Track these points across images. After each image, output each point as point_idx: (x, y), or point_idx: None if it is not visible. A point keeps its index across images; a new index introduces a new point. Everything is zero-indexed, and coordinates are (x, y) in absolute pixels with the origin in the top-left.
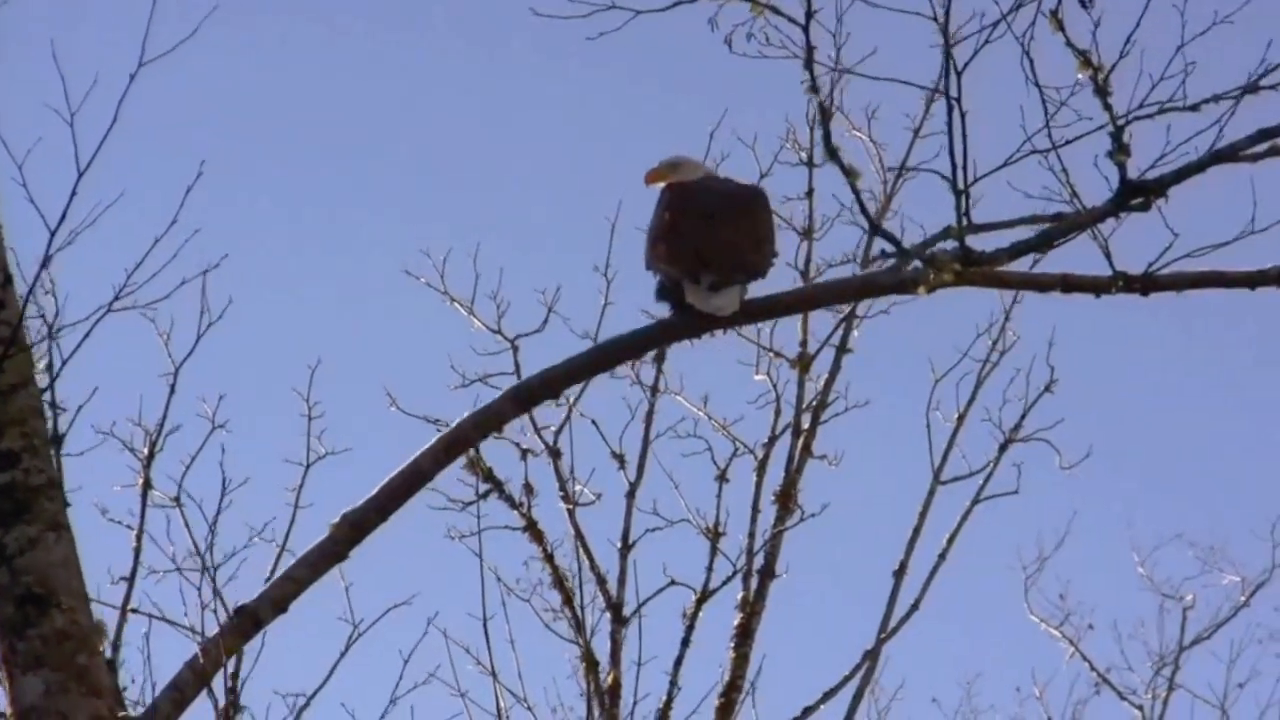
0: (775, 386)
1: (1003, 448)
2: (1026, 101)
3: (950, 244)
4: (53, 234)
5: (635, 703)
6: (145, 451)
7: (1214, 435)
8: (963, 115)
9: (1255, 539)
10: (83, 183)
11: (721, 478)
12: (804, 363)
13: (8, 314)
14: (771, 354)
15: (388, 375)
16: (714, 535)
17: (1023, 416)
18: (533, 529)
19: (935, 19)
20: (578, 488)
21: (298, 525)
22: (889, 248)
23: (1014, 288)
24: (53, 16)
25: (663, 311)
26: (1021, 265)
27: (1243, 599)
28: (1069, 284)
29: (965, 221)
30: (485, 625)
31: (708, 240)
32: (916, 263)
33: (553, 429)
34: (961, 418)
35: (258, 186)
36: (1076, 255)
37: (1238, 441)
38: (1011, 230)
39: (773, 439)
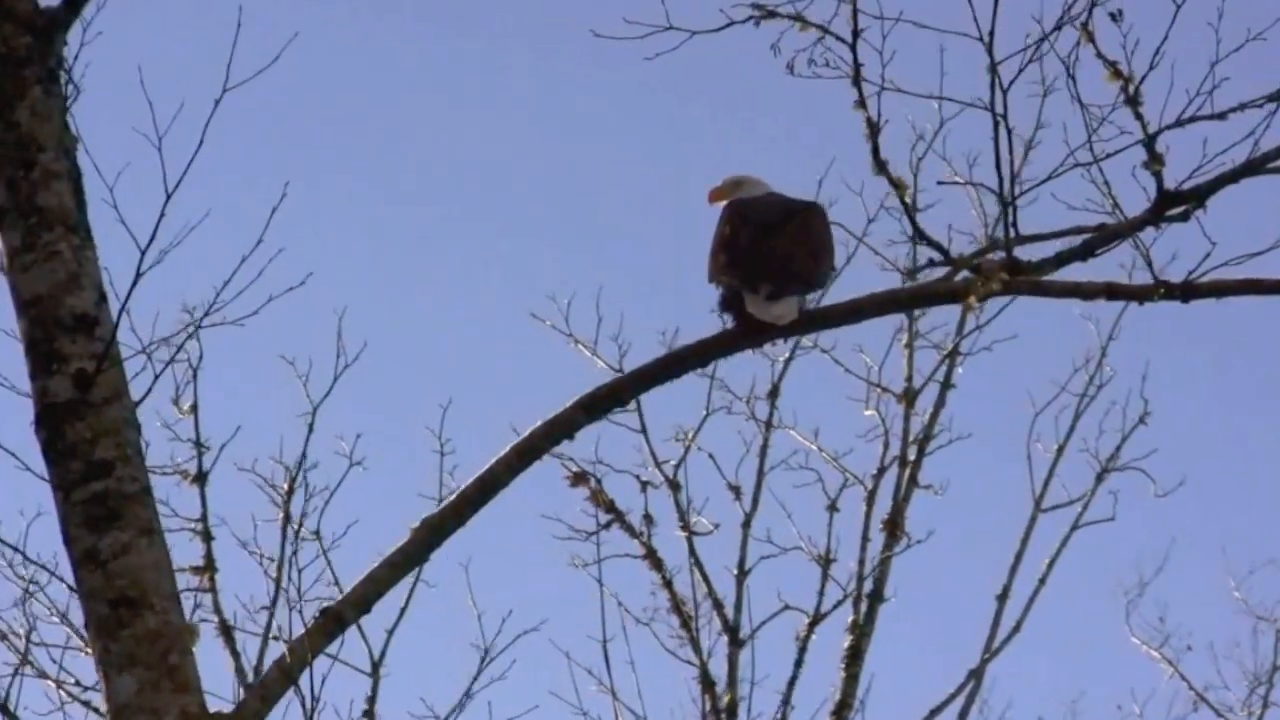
0: (884, 420)
1: (1099, 477)
2: (1070, 118)
3: (998, 254)
4: (143, 253)
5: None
6: (285, 487)
7: None
8: (1009, 131)
9: None
10: (171, 204)
11: (832, 507)
12: (909, 397)
13: (102, 331)
14: (879, 390)
15: (514, 414)
16: (825, 562)
17: (1118, 447)
18: (652, 557)
19: (981, 38)
20: (696, 518)
21: (432, 557)
22: (936, 256)
23: (1060, 296)
24: (140, 44)
25: (726, 323)
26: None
27: None
28: (1113, 292)
29: (1014, 233)
30: (605, 647)
31: (765, 251)
32: (965, 273)
33: (672, 463)
34: (1061, 449)
35: (380, 231)
36: (1121, 266)
37: None
38: (1056, 241)
39: (881, 470)
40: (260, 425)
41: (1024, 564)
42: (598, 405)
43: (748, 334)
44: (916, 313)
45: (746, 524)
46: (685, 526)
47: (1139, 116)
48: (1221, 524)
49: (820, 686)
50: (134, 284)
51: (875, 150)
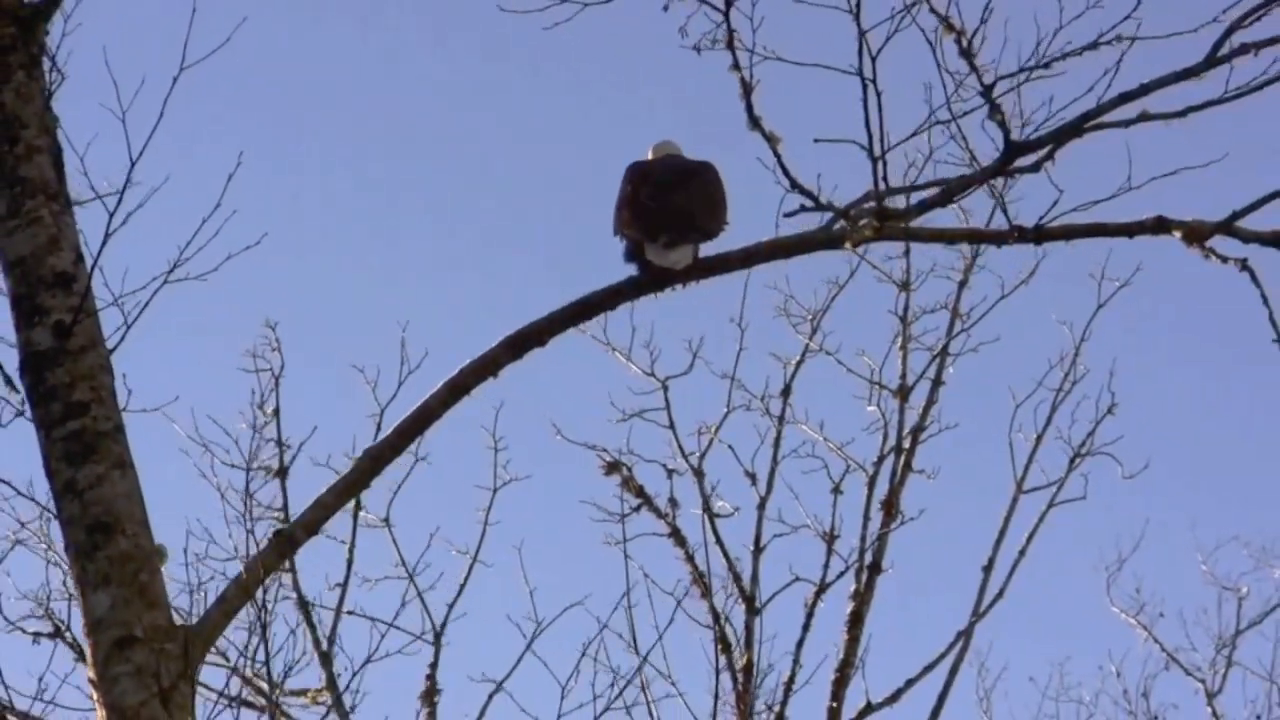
0: (883, 414)
1: (1072, 462)
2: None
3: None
4: (111, 216)
5: (764, 678)
6: None
7: (1270, 449)
8: (879, 94)
9: None
10: (136, 171)
11: (836, 490)
12: (904, 394)
13: (78, 286)
14: (879, 387)
15: (558, 413)
16: (830, 538)
17: (1089, 435)
18: (676, 535)
19: (850, 10)
20: (719, 502)
21: (487, 540)
22: (807, 203)
23: (928, 241)
24: (103, 24)
25: (631, 270)
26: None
27: None
28: (975, 236)
29: (884, 185)
30: (630, 613)
31: (662, 205)
32: (843, 223)
33: (696, 454)
34: (1039, 437)
35: (433, 249)
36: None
37: None
38: (924, 192)
39: (881, 458)
40: (335, 426)
41: (1006, 539)
42: (521, 345)
43: (651, 280)
44: (910, 317)
45: (761, 506)
46: (708, 509)
47: (974, 69)
48: (1190, 504)
49: (826, 648)
50: (103, 244)
51: (749, 108)
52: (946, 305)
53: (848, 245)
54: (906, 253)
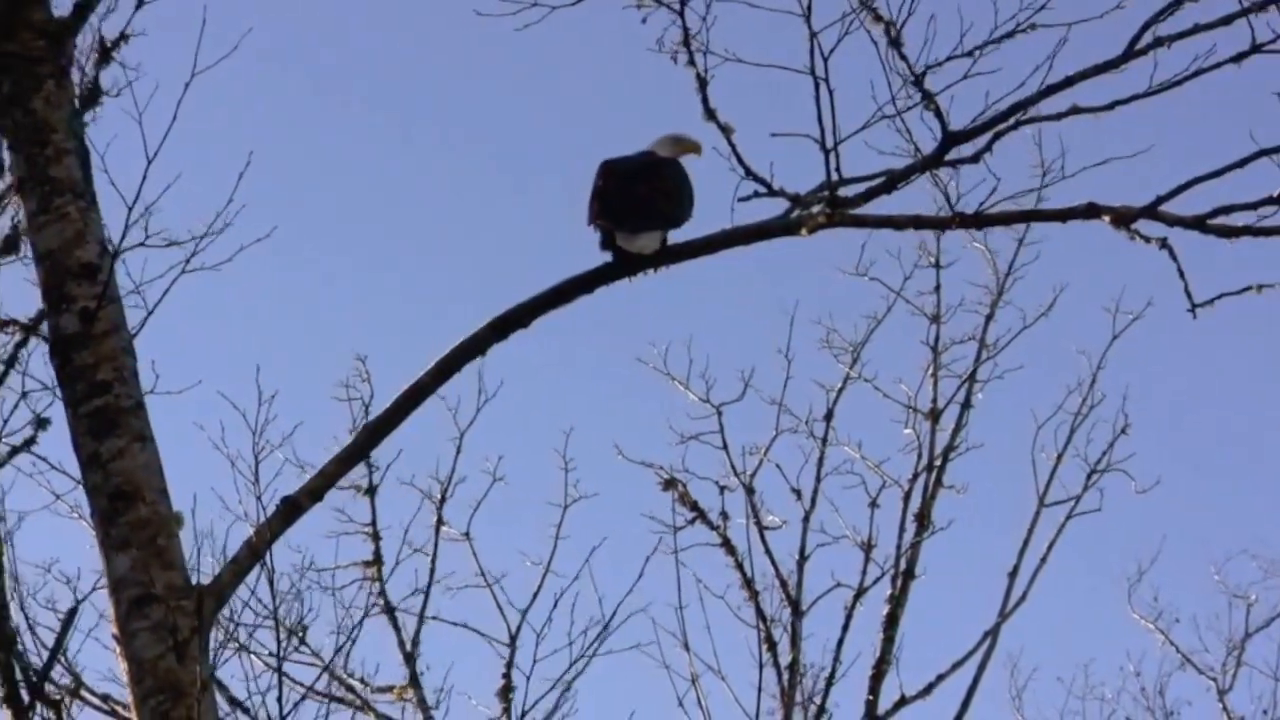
0: (918, 436)
1: (1089, 477)
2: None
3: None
4: (130, 209)
5: (807, 674)
6: (438, 497)
7: (1275, 468)
8: (830, 92)
9: None
10: (152, 169)
11: (873, 504)
12: (935, 416)
13: (103, 275)
14: (913, 411)
15: (621, 436)
16: (868, 548)
17: (1105, 453)
18: (727, 545)
19: (803, 14)
20: (769, 516)
21: (558, 552)
22: (760, 189)
23: (876, 227)
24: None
25: (606, 257)
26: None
27: None
28: (919, 222)
29: (837, 176)
30: (681, 613)
31: (628, 196)
32: (799, 212)
33: (748, 473)
34: (1059, 456)
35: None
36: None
37: None
38: (873, 182)
39: (915, 475)
40: (418, 449)
41: (1029, 548)
42: (505, 326)
43: (622, 265)
44: (941, 347)
45: (806, 519)
46: (757, 521)
47: (903, 57)
48: (1200, 517)
49: (864, 646)
50: (123, 235)
51: (705, 100)
52: (974, 336)
53: (803, 232)
54: (937, 288)
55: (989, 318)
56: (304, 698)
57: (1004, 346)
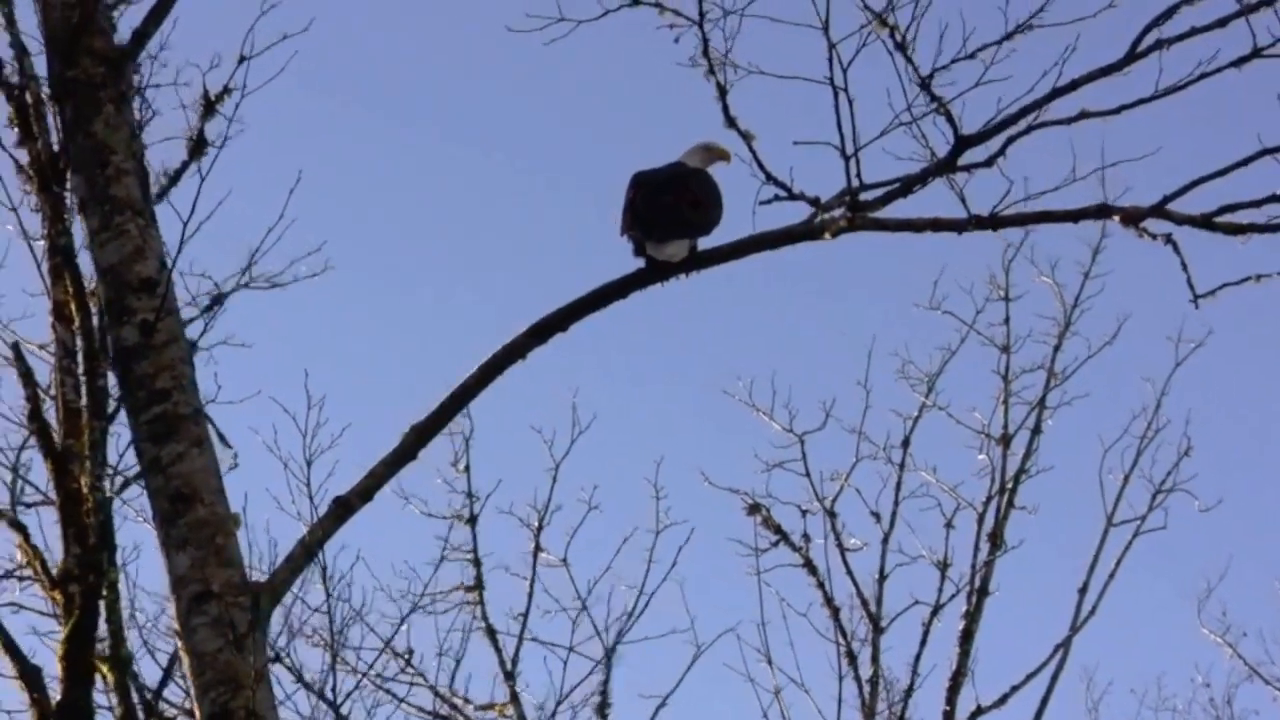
0: (990, 461)
1: (1154, 497)
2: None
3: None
4: (185, 225)
5: (887, 687)
6: (535, 524)
7: None
8: (850, 101)
9: None
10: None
11: (949, 525)
12: (1006, 441)
13: (161, 289)
14: (985, 437)
15: (709, 463)
16: (943, 566)
17: (1169, 474)
18: (809, 566)
19: (821, 27)
20: (851, 540)
21: (650, 577)
22: (780, 192)
23: (896, 230)
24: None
25: (639, 264)
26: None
27: None
28: (937, 225)
29: (858, 181)
30: (763, 630)
31: (655, 207)
32: (823, 217)
33: (829, 498)
34: (1126, 477)
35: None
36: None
37: None
38: (892, 186)
39: (988, 498)
40: (517, 479)
41: (1098, 566)
42: (544, 331)
43: (652, 272)
44: (1011, 376)
45: (885, 540)
46: (839, 543)
47: (910, 60)
48: (1269, 536)
49: (940, 660)
50: (179, 251)
51: (725, 108)
52: (1043, 365)
53: (827, 236)
54: (1007, 320)
55: (1057, 347)
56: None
57: (1071, 374)
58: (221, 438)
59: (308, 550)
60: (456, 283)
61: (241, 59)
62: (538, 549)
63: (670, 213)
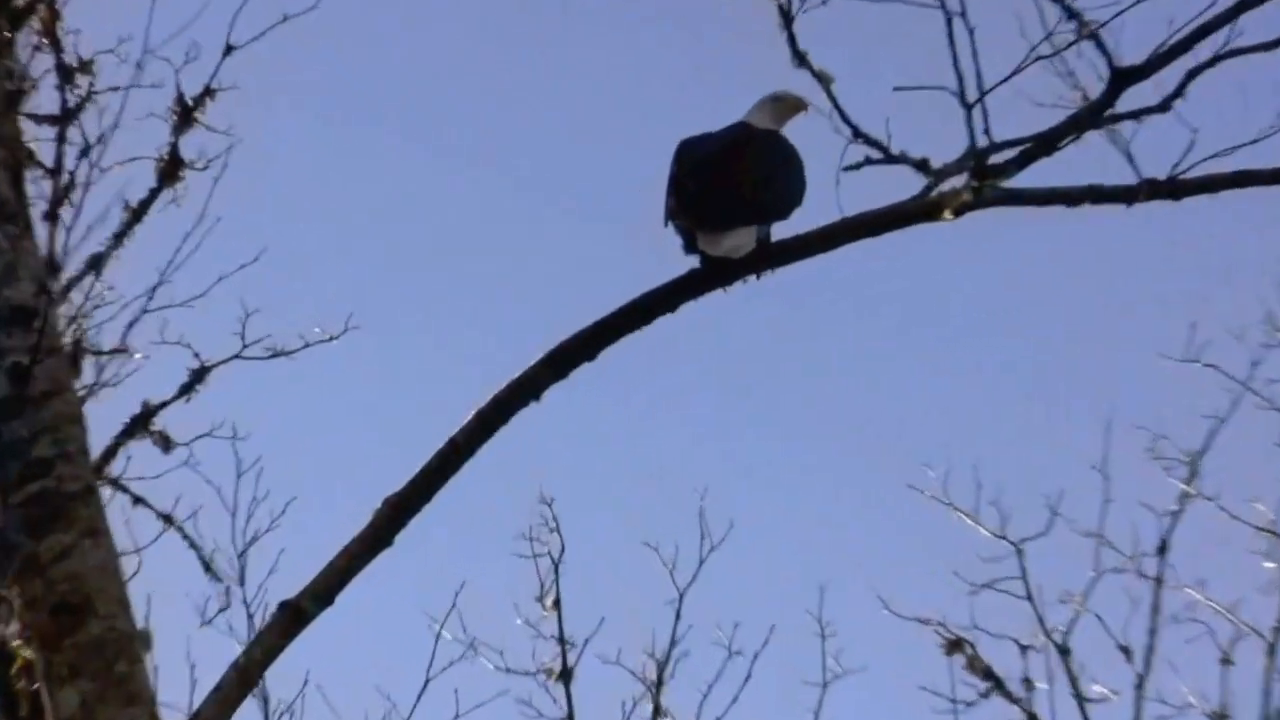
0: None
1: None
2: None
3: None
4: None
5: None
6: (654, 677)
7: None
8: (970, 30)
9: None
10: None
11: (1225, 660)
12: None
13: (39, 321)
14: (1272, 535)
15: (891, 586)
16: (1220, 719)
17: None
18: None
19: None
20: (1093, 686)
21: None
22: (874, 154)
23: (1041, 204)
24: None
25: (693, 263)
26: None
27: None
28: (1098, 195)
29: (985, 139)
30: None
31: (702, 184)
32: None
33: (1061, 629)
34: None
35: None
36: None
37: None
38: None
39: None
40: (625, 616)
41: None
42: (565, 360)
43: (709, 274)
44: None
45: (1139, 685)
46: (1076, 691)
47: None
48: None
49: None
50: (150, 298)
51: (791, 40)
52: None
53: (947, 214)
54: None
55: None
56: None
57: None
58: (205, 561)
59: (244, 675)
60: (853, 508)
61: (228, 49)
62: (657, 711)
63: (723, 194)
